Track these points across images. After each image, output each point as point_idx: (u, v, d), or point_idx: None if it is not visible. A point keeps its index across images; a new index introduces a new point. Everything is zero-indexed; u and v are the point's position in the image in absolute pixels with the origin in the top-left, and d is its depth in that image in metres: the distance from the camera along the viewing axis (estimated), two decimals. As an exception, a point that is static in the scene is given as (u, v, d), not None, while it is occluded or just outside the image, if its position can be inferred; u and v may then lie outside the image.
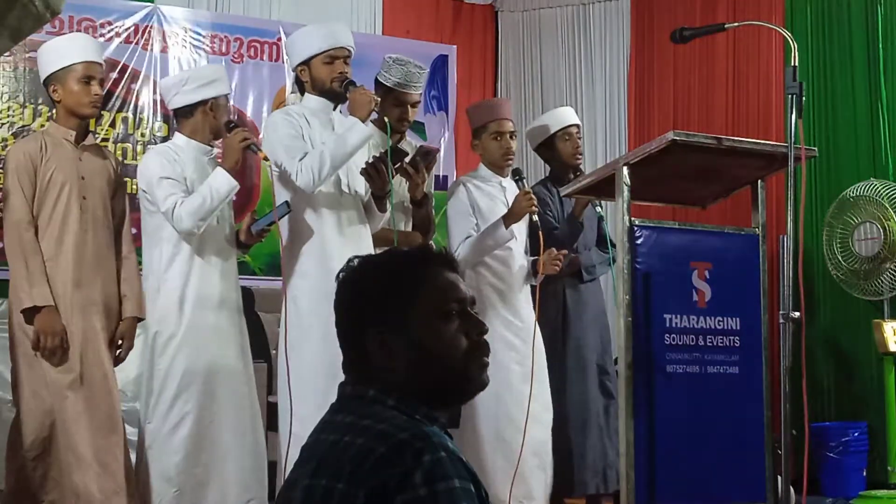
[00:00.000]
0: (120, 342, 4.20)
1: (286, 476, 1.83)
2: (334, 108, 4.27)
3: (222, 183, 4.17)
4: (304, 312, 4.11)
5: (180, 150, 4.34)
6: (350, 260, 1.88)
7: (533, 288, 4.83)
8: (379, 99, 4.20)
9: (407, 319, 1.79)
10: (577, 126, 5.30)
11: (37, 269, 4.00)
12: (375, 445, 1.65)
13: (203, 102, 4.32)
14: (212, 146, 4.43)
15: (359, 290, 1.83)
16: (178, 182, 4.23)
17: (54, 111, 4.29)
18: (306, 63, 4.23)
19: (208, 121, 4.34)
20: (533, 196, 4.70)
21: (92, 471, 3.99)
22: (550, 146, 5.27)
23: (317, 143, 4.14)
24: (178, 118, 4.42)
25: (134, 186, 6.47)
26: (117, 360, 4.21)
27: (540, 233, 4.63)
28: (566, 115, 5.38)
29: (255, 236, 4.29)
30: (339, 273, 1.87)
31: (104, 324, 4.13)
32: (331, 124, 4.22)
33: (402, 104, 4.58)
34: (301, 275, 4.17)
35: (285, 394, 4.07)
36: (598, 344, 5.16)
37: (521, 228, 4.88)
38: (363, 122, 4.06)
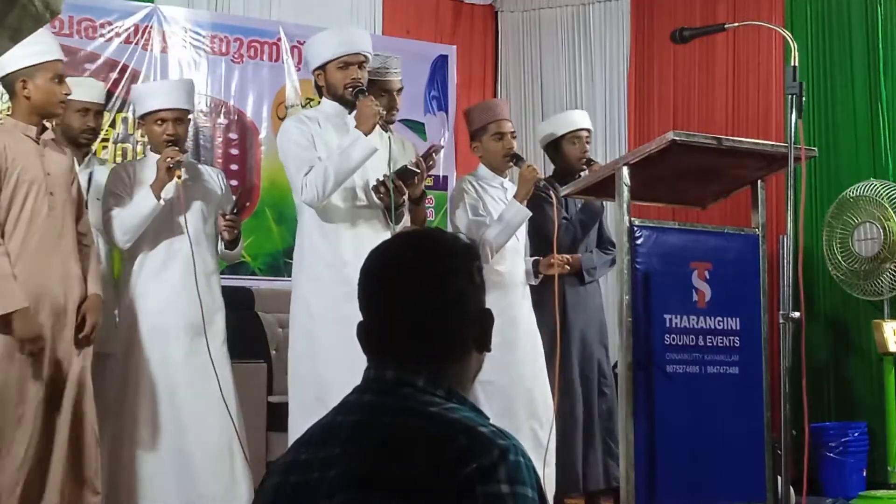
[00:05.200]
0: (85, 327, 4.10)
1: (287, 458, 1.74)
2: (350, 113, 4.26)
3: (144, 201, 4.35)
4: (316, 315, 4.13)
5: (145, 163, 4.59)
6: (401, 234, 1.85)
7: (532, 287, 4.91)
8: (385, 111, 4.20)
9: (485, 310, 1.77)
10: (588, 130, 5.32)
11: (6, 272, 3.88)
12: (455, 434, 1.60)
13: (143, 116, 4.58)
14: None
15: (452, 271, 1.75)
16: (123, 196, 4.44)
17: (8, 106, 4.20)
18: (322, 68, 4.25)
19: (151, 134, 4.56)
20: (535, 167, 4.83)
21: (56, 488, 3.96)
22: (557, 147, 5.28)
23: (330, 147, 4.15)
24: None
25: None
26: (84, 342, 4.09)
27: (556, 228, 4.72)
28: (576, 119, 5.39)
29: (229, 225, 4.47)
30: (396, 241, 1.81)
31: (68, 323, 4.06)
32: (346, 128, 4.21)
33: (388, 91, 4.58)
34: (313, 279, 4.18)
35: (293, 395, 4.16)
36: (596, 344, 5.19)
37: (521, 229, 4.91)
38: (367, 134, 4.07)
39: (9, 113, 4.22)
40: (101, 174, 4.73)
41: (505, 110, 5.06)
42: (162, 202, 4.34)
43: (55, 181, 4.06)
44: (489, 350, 1.78)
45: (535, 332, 4.81)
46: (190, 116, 4.64)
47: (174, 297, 4.42)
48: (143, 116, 4.56)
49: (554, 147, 5.30)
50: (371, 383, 1.73)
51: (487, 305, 1.81)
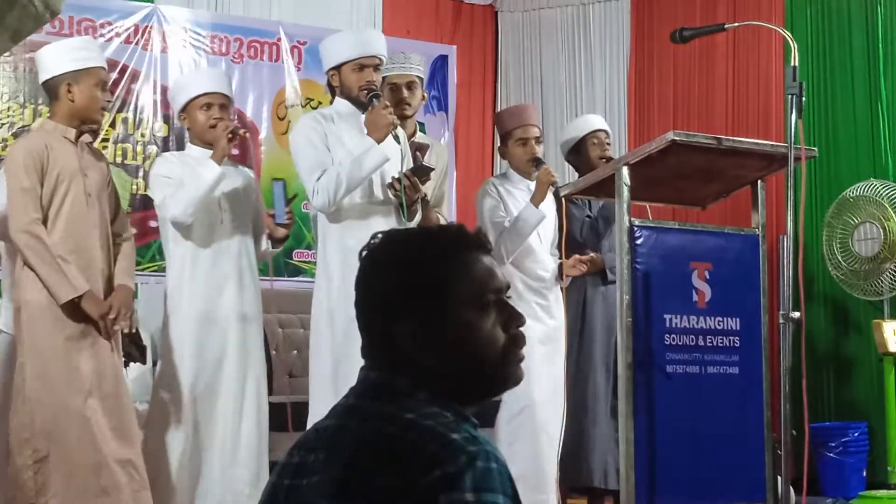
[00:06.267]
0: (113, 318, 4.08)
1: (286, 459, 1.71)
2: (363, 113, 4.28)
3: (208, 171, 4.27)
4: (324, 314, 4.19)
5: (188, 156, 4.49)
6: (374, 235, 1.72)
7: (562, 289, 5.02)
8: (398, 121, 4.22)
9: (441, 311, 1.64)
10: (605, 132, 5.38)
11: (62, 260, 3.95)
12: (426, 442, 1.54)
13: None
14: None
15: (388, 274, 1.67)
16: (175, 181, 4.33)
17: (49, 108, 4.24)
18: (337, 68, 4.28)
19: (195, 123, 4.45)
20: (552, 170, 4.91)
21: (118, 469, 3.98)
22: (579, 151, 5.34)
23: (344, 145, 4.18)
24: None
25: (134, 187, 6.51)
26: (111, 325, 4.07)
27: (565, 232, 4.74)
28: (594, 121, 5.48)
29: (285, 225, 4.42)
30: (362, 249, 1.72)
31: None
32: (360, 127, 4.25)
33: (396, 87, 4.63)
34: (329, 276, 4.21)
35: (312, 393, 4.21)
36: (612, 344, 5.20)
37: (547, 229, 5.00)
38: (379, 142, 4.10)
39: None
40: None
41: (530, 115, 5.15)
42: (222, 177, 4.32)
43: (92, 183, 4.13)
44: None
45: (562, 331, 4.89)
46: (231, 109, 4.58)
47: (227, 290, 4.38)
48: (185, 107, 4.44)
49: (576, 151, 5.35)
50: (358, 385, 1.70)
51: (522, 302, 1.75)
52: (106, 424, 4.00)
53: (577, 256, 4.96)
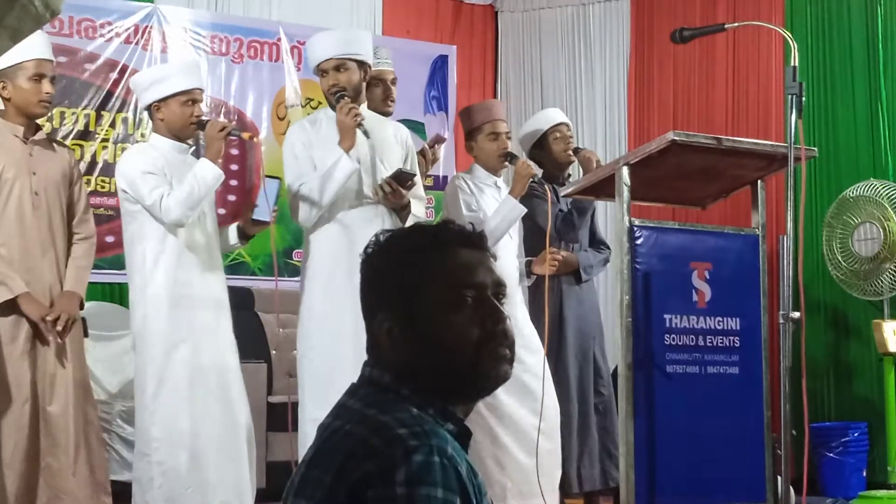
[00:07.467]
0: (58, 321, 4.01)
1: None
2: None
3: (207, 172, 4.19)
4: (316, 314, 4.17)
5: (157, 148, 4.35)
6: (377, 234, 1.74)
7: (530, 289, 4.90)
8: (364, 117, 4.19)
9: (413, 307, 1.65)
10: (567, 125, 5.36)
11: (4, 258, 3.92)
12: (370, 437, 1.55)
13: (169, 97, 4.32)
14: (190, 144, 4.42)
15: (373, 270, 1.71)
16: (161, 176, 4.23)
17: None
18: (318, 73, 4.33)
19: (174, 116, 4.30)
20: (530, 163, 4.86)
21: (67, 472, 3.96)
22: (542, 146, 5.30)
23: (329, 147, 4.17)
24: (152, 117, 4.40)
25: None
26: (56, 333, 4.01)
27: (548, 224, 4.72)
28: (555, 115, 5.45)
29: (263, 223, 4.35)
30: (365, 247, 1.74)
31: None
32: None
33: (381, 80, 4.64)
34: (316, 278, 4.21)
35: (301, 396, 4.20)
36: (592, 343, 5.19)
37: (513, 229, 4.92)
38: (349, 149, 4.10)
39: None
40: None
41: (500, 111, 5.10)
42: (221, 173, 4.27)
43: (41, 181, 4.07)
44: None
45: (532, 331, 4.80)
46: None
47: (212, 281, 4.34)
48: (163, 99, 4.28)
49: (539, 146, 5.32)
50: (358, 379, 1.72)
51: None
52: (41, 430, 3.96)
53: (549, 249, 4.84)
